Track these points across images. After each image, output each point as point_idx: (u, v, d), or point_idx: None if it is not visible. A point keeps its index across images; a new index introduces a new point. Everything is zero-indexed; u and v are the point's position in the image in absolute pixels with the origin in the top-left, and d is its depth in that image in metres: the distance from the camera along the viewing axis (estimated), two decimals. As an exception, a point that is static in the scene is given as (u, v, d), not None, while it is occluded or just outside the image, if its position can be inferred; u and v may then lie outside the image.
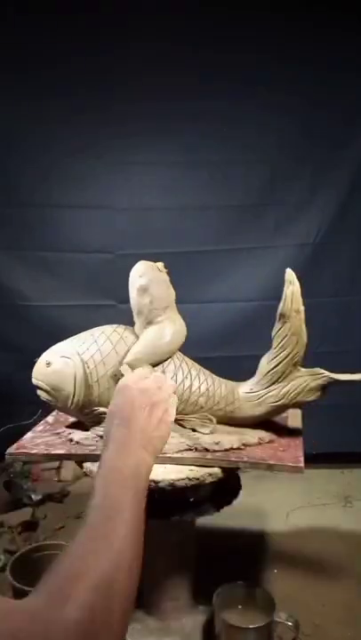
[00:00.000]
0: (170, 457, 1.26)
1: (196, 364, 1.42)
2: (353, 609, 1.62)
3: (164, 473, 1.22)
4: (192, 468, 1.25)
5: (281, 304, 1.31)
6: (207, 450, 1.28)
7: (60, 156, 2.15)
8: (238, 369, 1.49)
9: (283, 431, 1.42)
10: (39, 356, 1.35)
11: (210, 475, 1.24)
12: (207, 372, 1.42)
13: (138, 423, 0.74)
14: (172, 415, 0.82)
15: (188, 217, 2.21)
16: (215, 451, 1.28)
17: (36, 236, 2.23)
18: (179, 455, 1.27)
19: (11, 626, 0.46)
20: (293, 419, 1.50)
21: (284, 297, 1.31)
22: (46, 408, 1.95)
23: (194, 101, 2.09)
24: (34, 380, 1.34)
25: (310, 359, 2.28)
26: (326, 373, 1.35)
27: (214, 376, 1.43)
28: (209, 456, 1.27)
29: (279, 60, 2.06)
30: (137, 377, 0.82)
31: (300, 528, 2.03)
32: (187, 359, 1.41)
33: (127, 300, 1.37)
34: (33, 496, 2.14)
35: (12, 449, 1.34)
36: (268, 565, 1.82)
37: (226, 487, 1.38)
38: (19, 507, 2.10)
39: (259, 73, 2.07)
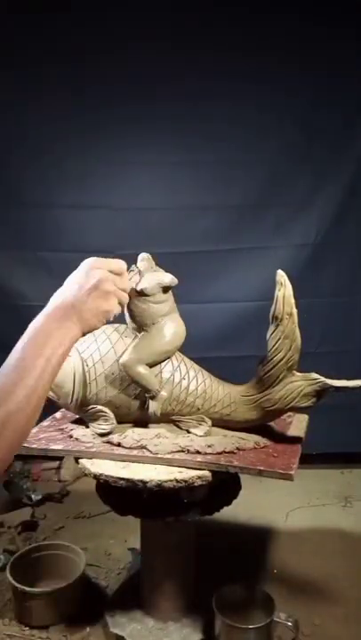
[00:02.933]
0: (161, 457, 1.26)
1: (195, 365, 1.41)
2: (352, 609, 1.62)
3: (154, 474, 1.22)
4: (181, 469, 1.24)
5: (273, 306, 1.28)
6: (199, 452, 1.27)
7: (61, 155, 2.14)
8: (237, 369, 1.48)
9: (282, 437, 1.40)
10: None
11: (199, 477, 1.22)
12: (206, 374, 1.41)
13: (82, 300, 0.79)
14: (113, 305, 0.85)
15: (187, 217, 2.21)
16: (207, 453, 1.27)
17: (36, 237, 2.22)
18: (169, 456, 1.26)
19: None
20: (298, 424, 1.48)
21: (275, 299, 1.28)
22: (45, 408, 1.96)
23: (194, 101, 2.08)
24: None
25: (310, 359, 2.28)
26: (321, 379, 1.31)
27: (213, 377, 1.42)
28: (199, 459, 1.25)
29: (280, 61, 2.06)
30: (101, 261, 0.85)
31: (300, 528, 2.03)
32: (185, 359, 1.40)
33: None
34: (33, 496, 2.13)
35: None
36: (268, 565, 1.82)
37: (225, 488, 1.38)
38: (18, 506, 2.09)
39: (259, 73, 2.07)
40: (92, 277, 0.82)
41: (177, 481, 1.20)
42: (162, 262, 1.39)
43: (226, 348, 2.23)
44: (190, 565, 1.52)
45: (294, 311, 1.28)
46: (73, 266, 2.49)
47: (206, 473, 1.23)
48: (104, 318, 0.84)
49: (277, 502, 2.13)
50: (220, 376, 1.46)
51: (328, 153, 2.14)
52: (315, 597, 1.67)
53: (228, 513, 1.44)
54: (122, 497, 1.32)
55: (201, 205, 2.20)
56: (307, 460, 1.41)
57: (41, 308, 2.61)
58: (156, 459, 1.26)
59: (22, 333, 2.57)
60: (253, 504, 1.94)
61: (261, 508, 2.07)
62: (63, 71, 2.08)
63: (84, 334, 0.80)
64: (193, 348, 1.40)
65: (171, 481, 1.20)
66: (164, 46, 2.05)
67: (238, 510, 1.44)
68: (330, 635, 1.52)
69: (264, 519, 2.06)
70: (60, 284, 2.73)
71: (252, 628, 1.36)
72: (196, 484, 1.22)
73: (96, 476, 1.25)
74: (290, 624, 1.39)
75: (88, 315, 0.80)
